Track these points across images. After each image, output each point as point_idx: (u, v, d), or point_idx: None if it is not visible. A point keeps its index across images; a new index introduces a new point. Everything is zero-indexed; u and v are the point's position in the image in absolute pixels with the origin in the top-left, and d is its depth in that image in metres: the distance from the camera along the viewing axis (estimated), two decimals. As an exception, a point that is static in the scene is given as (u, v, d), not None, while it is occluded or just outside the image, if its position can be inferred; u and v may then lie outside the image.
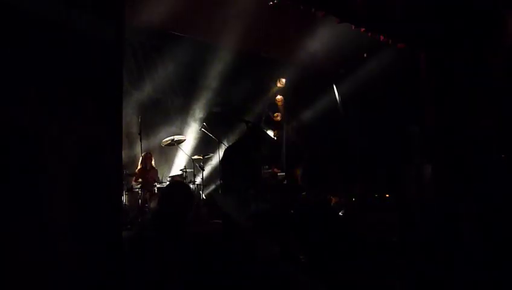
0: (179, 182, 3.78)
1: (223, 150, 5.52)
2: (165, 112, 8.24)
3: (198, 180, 7.32)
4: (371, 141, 6.82)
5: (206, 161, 7.20)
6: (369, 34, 6.42)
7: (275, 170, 7.70)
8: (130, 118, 7.37)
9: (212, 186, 7.75)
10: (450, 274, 2.41)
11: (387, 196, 7.08)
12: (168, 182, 6.64)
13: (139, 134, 7.02)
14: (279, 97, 8.67)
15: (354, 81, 8.62)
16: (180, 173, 7.28)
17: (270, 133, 7.77)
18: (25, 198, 1.71)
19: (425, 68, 7.21)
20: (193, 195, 3.64)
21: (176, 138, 7.33)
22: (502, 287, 2.37)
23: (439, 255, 3.19)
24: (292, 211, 6.00)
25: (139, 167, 6.75)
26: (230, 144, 5.53)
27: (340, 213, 6.41)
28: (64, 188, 2.71)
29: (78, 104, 3.02)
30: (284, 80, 8.16)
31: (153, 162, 6.90)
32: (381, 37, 6.55)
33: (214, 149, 7.35)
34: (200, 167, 7.22)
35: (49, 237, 2.54)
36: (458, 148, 6.85)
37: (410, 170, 7.85)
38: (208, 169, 7.42)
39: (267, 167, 7.59)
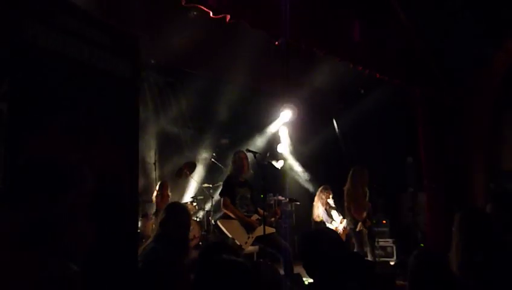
0: (174, 203, 3.79)
1: (224, 179, 5.56)
2: (178, 143, 8.31)
3: (207, 206, 7.34)
4: (369, 171, 6.83)
5: (215, 188, 7.23)
6: (367, 71, 6.48)
7: (280, 197, 7.71)
8: (146, 148, 7.43)
9: (221, 213, 7.75)
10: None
11: (384, 222, 7.05)
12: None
13: (154, 164, 7.10)
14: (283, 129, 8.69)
15: (353, 115, 8.68)
16: (191, 200, 7.32)
17: (279, 163, 7.77)
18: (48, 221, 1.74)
19: (419, 103, 7.28)
20: (188, 214, 3.64)
21: (188, 167, 7.39)
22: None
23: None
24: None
25: (155, 194, 6.75)
26: (230, 171, 5.53)
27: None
28: (84, 213, 2.74)
29: (96, 136, 3.07)
30: (287, 113, 8.21)
31: (168, 190, 6.92)
32: (378, 75, 6.61)
33: (222, 177, 7.38)
34: (209, 194, 7.25)
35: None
36: (449, 177, 6.87)
37: (405, 197, 7.86)
38: (216, 196, 7.45)
39: (271, 194, 7.61)
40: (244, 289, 1.51)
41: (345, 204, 6.38)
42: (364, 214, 6.29)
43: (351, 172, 6.44)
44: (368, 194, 6.42)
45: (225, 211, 5.27)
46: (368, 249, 6.42)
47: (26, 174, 1.75)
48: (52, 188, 1.73)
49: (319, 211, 6.84)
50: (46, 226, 1.69)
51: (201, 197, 7.46)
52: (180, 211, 3.51)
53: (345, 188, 6.40)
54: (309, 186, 9.20)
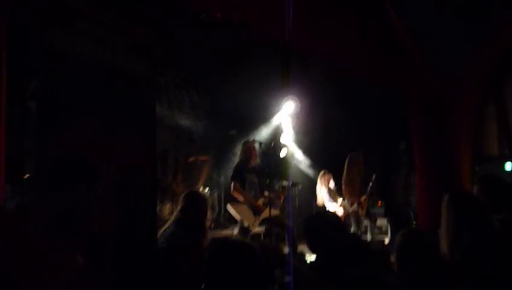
0: (193, 192, 3.78)
1: (234, 166, 5.59)
2: (190, 134, 8.35)
3: (218, 192, 7.40)
4: (366, 156, 6.87)
5: (224, 176, 7.26)
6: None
7: (283, 182, 7.72)
8: (161, 140, 7.47)
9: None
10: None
11: (379, 202, 7.08)
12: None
13: (169, 153, 7.15)
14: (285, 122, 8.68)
15: (351, 106, 8.65)
16: (203, 186, 7.38)
17: (283, 151, 7.77)
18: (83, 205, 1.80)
19: (411, 95, 7.26)
20: (206, 202, 3.67)
21: (200, 156, 7.44)
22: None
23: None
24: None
25: (171, 181, 6.80)
26: (240, 159, 5.56)
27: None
28: (113, 199, 2.79)
29: (121, 132, 3.11)
30: (290, 106, 8.20)
31: (182, 178, 6.97)
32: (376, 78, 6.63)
33: (231, 166, 7.42)
34: (219, 181, 7.30)
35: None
36: (438, 161, 6.90)
37: (399, 180, 7.87)
38: (226, 182, 7.51)
39: (276, 179, 7.63)
40: (251, 267, 1.53)
41: (342, 187, 6.48)
42: (362, 198, 6.38)
43: (347, 159, 6.52)
44: (371, 178, 6.51)
45: (235, 194, 5.30)
46: (368, 228, 6.56)
47: (60, 167, 1.80)
48: (81, 179, 1.78)
49: (322, 194, 6.86)
50: (74, 210, 1.74)
51: (212, 183, 7.51)
52: (199, 199, 3.55)
53: (343, 173, 6.50)
54: (309, 172, 9.23)
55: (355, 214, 6.35)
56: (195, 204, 3.43)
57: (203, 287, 1.52)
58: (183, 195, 3.69)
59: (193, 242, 3.08)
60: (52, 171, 1.88)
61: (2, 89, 2.65)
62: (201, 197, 3.65)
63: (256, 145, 5.53)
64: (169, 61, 7.00)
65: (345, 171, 6.50)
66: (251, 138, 5.87)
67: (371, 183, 6.45)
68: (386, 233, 7.53)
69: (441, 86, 7.09)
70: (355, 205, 6.31)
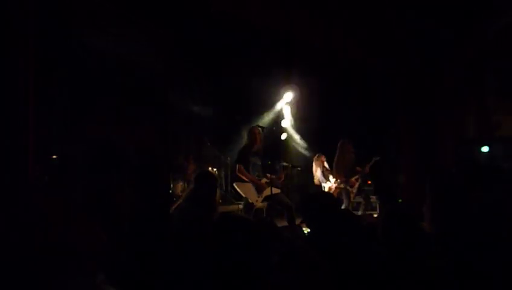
0: (204, 171, 3.76)
1: (239, 149, 5.58)
2: (201, 121, 8.36)
3: (225, 172, 7.43)
4: (359, 139, 6.88)
5: (231, 157, 7.28)
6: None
7: (284, 163, 7.74)
8: (175, 124, 7.47)
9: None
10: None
11: (369, 182, 7.10)
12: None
13: (181, 138, 7.19)
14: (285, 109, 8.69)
15: (345, 96, 8.63)
16: (211, 167, 7.42)
17: (283, 136, 7.77)
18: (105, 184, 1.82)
19: (398, 85, 7.22)
20: (216, 180, 3.61)
21: (209, 141, 7.48)
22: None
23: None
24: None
25: (183, 162, 6.82)
26: (245, 143, 5.55)
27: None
28: (130, 177, 2.82)
29: (137, 117, 3.13)
30: (290, 94, 8.19)
31: (193, 159, 6.98)
32: (367, 60, 6.57)
33: (237, 148, 7.44)
34: (227, 162, 7.33)
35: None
36: (423, 143, 6.89)
37: (388, 161, 7.87)
38: (232, 163, 7.53)
39: (277, 161, 7.65)
40: (249, 238, 1.55)
41: (334, 168, 6.57)
42: (354, 177, 6.47)
43: (339, 143, 6.61)
44: (370, 161, 6.64)
45: (240, 175, 5.32)
46: (361, 204, 6.75)
47: (95, 154, 1.82)
48: (108, 165, 1.80)
49: (317, 174, 6.90)
50: (102, 193, 1.76)
51: (220, 164, 7.54)
52: (210, 177, 3.50)
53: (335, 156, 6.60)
54: (307, 154, 9.26)
55: (346, 191, 6.43)
56: (206, 182, 3.40)
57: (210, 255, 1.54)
58: (195, 174, 3.66)
59: (203, 217, 3.08)
60: (89, 157, 1.90)
61: (31, 79, 2.65)
62: (212, 176, 3.62)
63: (260, 130, 5.52)
64: (182, 54, 6.97)
65: (337, 153, 6.59)
66: (255, 123, 5.85)
67: (367, 167, 6.55)
68: (375, 209, 7.58)
69: (426, 74, 7.04)
70: (343, 184, 6.41)
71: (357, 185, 6.53)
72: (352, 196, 6.57)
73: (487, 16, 6.49)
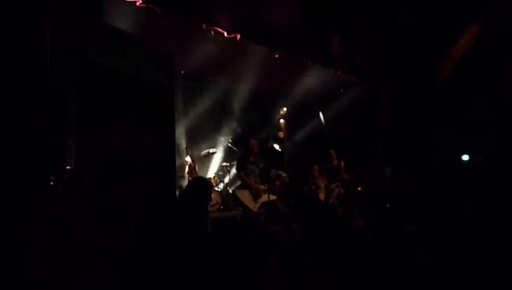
0: (200, 177, 3.62)
1: (238, 158, 5.59)
2: (203, 132, 8.37)
3: (226, 180, 7.42)
4: (347, 151, 6.90)
5: (231, 166, 7.28)
6: (345, 76, 6.50)
7: (280, 172, 7.74)
8: (179, 137, 7.48)
9: (237, 184, 7.82)
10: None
11: (359, 189, 7.10)
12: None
13: (185, 148, 7.19)
14: (281, 121, 8.70)
15: (334, 108, 8.68)
16: (213, 175, 7.41)
17: (277, 146, 7.76)
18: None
19: (384, 98, 7.27)
20: (209, 186, 3.36)
21: (211, 150, 7.47)
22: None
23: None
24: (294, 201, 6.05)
25: (187, 171, 6.80)
26: (244, 153, 5.56)
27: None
28: (139, 184, 2.81)
29: (146, 130, 3.14)
30: (285, 109, 8.22)
31: (196, 168, 6.97)
32: (353, 78, 6.62)
33: (237, 157, 7.43)
34: (227, 170, 7.32)
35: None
36: (406, 154, 6.93)
37: (375, 170, 7.88)
38: (232, 172, 7.52)
39: (274, 170, 7.65)
40: (246, 242, 1.55)
41: (325, 176, 6.59)
42: (334, 185, 6.47)
43: (330, 153, 6.67)
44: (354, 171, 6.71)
45: (240, 181, 5.34)
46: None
47: (103, 169, 1.81)
48: (119, 176, 1.80)
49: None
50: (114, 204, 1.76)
51: (221, 173, 7.53)
52: (204, 184, 3.23)
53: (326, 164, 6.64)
54: (301, 163, 9.25)
55: (326, 197, 6.42)
56: (200, 188, 3.24)
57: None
58: (191, 179, 3.56)
59: (194, 222, 2.95)
60: (97, 174, 1.89)
61: (46, 94, 2.67)
62: (206, 183, 3.39)
63: (257, 141, 5.55)
64: (184, 70, 7.01)
65: (328, 163, 6.65)
66: (253, 135, 5.86)
67: (349, 176, 6.56)
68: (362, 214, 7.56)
69: (408, 91, 7.10)
70: (336, 190, 6.40)
71: (336, 191, 6.52)
72: (331, 200, 6.53)
73: (463, 38, 6.57)
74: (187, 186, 3.38)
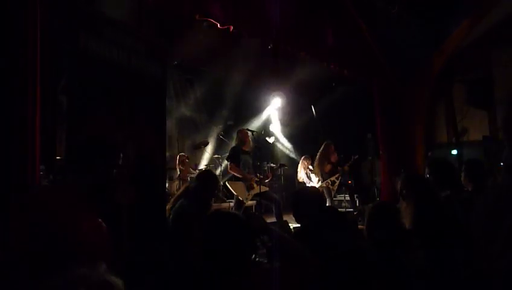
0: (208, 171, 3.64)
1: (230, 148, 5.58)
2: (194, 124, 8.34)
3: (217, 172, 7.40)
4: (339, 144, 6.93)
5: (223, 158, 7.28)
6: (337, 69, 6.49)
7: (271, 164, 7.77)
8: (171, 128, 7.45)
9: (229, 176, 7.83)
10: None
11: (349, 182, 7.15)
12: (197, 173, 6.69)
13: (177, 140, 7.15)
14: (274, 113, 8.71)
15: (327, 101, 8.70)
16: (205, 167, 7.39)
17: (271, 139, 7.77)
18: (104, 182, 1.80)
19: (376, 93, 7.29)
20: (218, 181, 3.45)
21: (203, 142, 7.46)
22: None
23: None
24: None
25: (177, 162, 6.76)
26: (236, 143, 5.55)
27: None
28: (128, 176, 2.78)
29: (136, 121, 3.11)
30: (277, 101, 8.22)
31: (187, 159, 6.94)
32: (345, 72, 6.61)
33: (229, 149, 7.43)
34: (219, 162, 7.31)
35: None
36: (398, 148, 6.99)
37: (366, 164, 7.95)
38: (224, 164, 7.52)
39: (265, 162, 7.67)
40: (238, 233, 1.55)
41: (316, 167, 6.59)
42: (334, 177, 6.50)
43: (323, 145, 6.65)
44: (350, 160, 6.71)
45: (232, 172, 5.30)
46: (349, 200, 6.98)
47: (85, 149, 1.80)
48: (105, 158, 1.78)
49: (301, 174, 6.92)
50: (101, 185, 1.75)
51: (213, 165, 7.52)
52: (211, 177, 3.33)
53: (317, 156, 6.64)
54: (293, 156, 9.30)
55: (328, 190, 6.46)
56: (207, 181, 3.25)
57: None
58: (198, 172, 3.52)
59: (198, 214, 3.00)
60: (75, 154, 1.87)
61: (37, 84, 2.63)
62: (213, 176, 3.46)
63: (249, 133, 5.53)
64: (177, 61, 6.96)
65: (320, 155, 6.64)
66: (245, 127, 5.85)
67: (347, 165, 6.61)
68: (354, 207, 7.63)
69: (400, 84, 7.15)
70: (326, 182, 6.44)
71: (337, 183, 6.58)
72: (333, 193, 6.61)
73: (455, 32, 6.62)
74: (195, 179, 3.31)
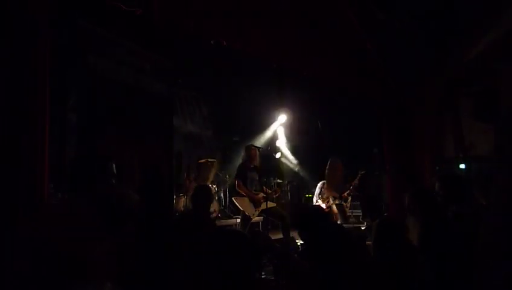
0: (202, 185, 3.64)
1: (238, 166, 5.57)
2: (200, 140, 8.39)
3: (224, 188, 7.41)
4: (345, 159, 6.90)
5: (229, 175, 7.28)
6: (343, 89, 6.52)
7: (278, 180, 7.74)
8: (177, 145, 7.48)
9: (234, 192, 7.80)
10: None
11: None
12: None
13: (182, 155, 7.20)
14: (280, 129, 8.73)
15: (333, 117, 8.71)
16: (211, 183, 7.39)
17: (277, 154, 7.76)
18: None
19: (381, 109, 7.29)
20: (211, 196, 3.46)
21: (209, 159, 7.46)
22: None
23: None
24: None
25: (184, 179, 6.78)
26: (243, 160, 5.55)
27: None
28: (135, 188, 2.79)
29: (143, 137, 3.14)
30: (283, 117, 8.25)
31: (193, 176, 6.96)
32: (350, 89, 6.62)
33: (234, 166, 7.43)
34: (225, 179, 7.31)
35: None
36: (405, 163, 6.92)
37: (372, 179, 7.90)
38: (230, 180, 7.51)
39: (272, 177, 7.65)
40: (243, 250, 1.54)
41: (326, 185, 6.46)
42: (345, 193, 6.36)
43: (329, 161, 6.54)
44: (357, 176, 6.53)
45: (238, 190, 5.30)
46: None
47: (79, 166, 1.79)
48: (101, 174, 1.78)
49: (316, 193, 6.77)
50: (105, 202, 1.76)
51: (219, 181, 7.52)
52: (206, 190, 3.39)
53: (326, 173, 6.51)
54: (299, 171, 9.27)
55: (341, 207, 6.30)
56: (202, 194, 3.28)
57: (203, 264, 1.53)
58: (195, 187, 3.56)
59: (197, 225, 2.95)
60: (71, 174, 1.88)
61: (46, 103, 2.67)
62: (207, 189, 3.53)
63: (256, 149, 5.54)
64: (184, 80, 7.04)
65: (326, 172, 6.51)
66: (252, 144, 5.85)
67: (356, 180, 6.46)
68: (362, 222, 7.55)
69: (406, 99, 7.13)
70: (337, 200, 6.30)
71: (350, 199, 6.45)
72: (347, 210, 6.46)
73: (461, 45, 6.63)
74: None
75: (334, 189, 6.39)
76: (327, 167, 6.50)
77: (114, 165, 1.90)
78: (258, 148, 5.56)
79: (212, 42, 5.33)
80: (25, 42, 2.59)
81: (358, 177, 6.54)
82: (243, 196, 5.28)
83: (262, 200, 5.24)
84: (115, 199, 1.84)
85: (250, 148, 5.50)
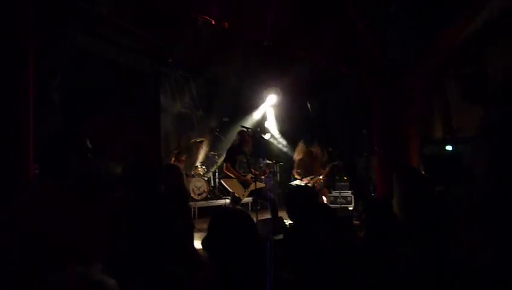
0: (169, 164, 3.46)
1: (227, 149, 5.55)
2: (190, 121, 8.33)
3: (213, 169, 7.42)
4: (334, 140, 6.93)
5: (219, 155, 7.27)
6: (333, 67, 6.49)
7: (267, 160, 7.76)
8: (166, 126, 7.42)
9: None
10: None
11: (345, 178, 7.16)
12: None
13: (172, 136, 7.15)
14: (269, 110, 8.72)
15: (322, 98, 8.70)
16: (201, 164, 7.38)
17: (267, 135, 7.75)
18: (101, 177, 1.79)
19: (371, 89, 7.30)
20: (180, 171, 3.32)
21: (198, 139, 7.43)
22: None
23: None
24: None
25: (173, 160, 6.75)
26: (234, 144, 5.52)
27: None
28: (123, 172, 2.76)
29: (131, 119, 3.10)
30: (273, 97, 8.22)
31: (183, 157, 6.93)
32: (341, 69, 6.60)
33: (224, 147, 7.43)
34: (215, 159, 7.30)
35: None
36: (393, 144, 6.99)
37: (361, 160, 7.97)
38: (220, 161, 7.52)
39: (261, 158, 7.67)
40: (247, 228, 1.53)
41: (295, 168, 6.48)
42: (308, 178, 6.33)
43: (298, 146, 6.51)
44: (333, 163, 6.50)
45: (227, 172, 5.31)
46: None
47: (52, 146, 1.74)
48: (75, 153, 1.74)
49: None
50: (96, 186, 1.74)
51: (209, 162, 7.51)
52: (173, 168, 3.28)
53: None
54: (288, 152, 9.31)
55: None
56: (170, 174, 3.20)
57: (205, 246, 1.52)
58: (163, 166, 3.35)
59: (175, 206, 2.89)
60: (45, 152, 1.84)
61: (30, 82, 2.62)
62: (175, 167, 3.39)
63: (249, 135, 5.50)
64: (172, 59, 6.93)
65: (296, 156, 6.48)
66: (245, 127, 5.76)
67: (327, 170, 6.36)
68: (350, 202, 7.66)
69: (395, 80, 7.16)
70: (316, 179, 6.26)
71: (322, 181, 6.35)
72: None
73: (451, 27, 6.63)
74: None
75: (302, 173, 6.33)
76: (296, 152, 6.46)
77: (88, 140, 1.84)
78: (247, 128, 5.54)
79: (200, 21, 5.24)
80: (9, 20, 2.52)
81: (329, 167, 6.43)
82: (231, 177, 5.29)
83: (250, 182, 5.26)
84: (92, 169, 1.81)
85: (243, 132, 5.46)
